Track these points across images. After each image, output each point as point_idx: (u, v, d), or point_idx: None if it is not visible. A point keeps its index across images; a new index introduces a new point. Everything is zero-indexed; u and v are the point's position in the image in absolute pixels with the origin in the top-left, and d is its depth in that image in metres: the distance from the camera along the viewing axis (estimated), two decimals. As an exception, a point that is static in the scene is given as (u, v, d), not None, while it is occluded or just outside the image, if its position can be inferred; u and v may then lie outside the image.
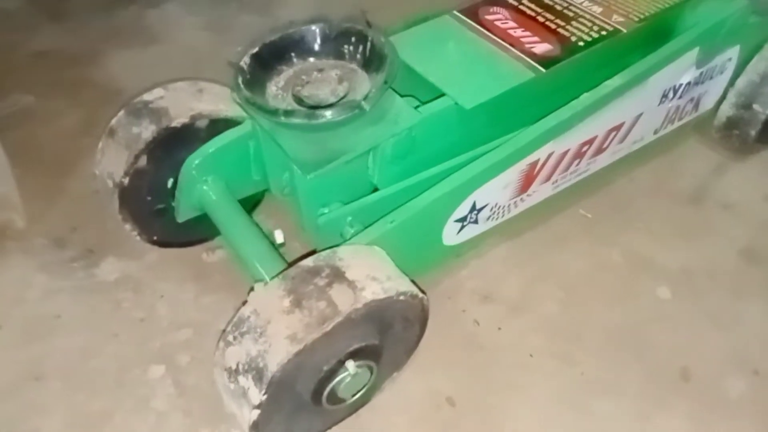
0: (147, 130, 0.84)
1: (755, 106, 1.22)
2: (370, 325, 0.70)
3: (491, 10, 0.98)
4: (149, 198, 0.90)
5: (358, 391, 0.75)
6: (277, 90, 0.77)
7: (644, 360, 0.98)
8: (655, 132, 1.16)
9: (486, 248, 1.08)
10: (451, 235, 0.89)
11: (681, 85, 1.09)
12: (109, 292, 0.96)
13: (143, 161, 0.85)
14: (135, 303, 0.95)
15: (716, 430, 0.90)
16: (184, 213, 0.92)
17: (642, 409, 0.92)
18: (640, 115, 1.06)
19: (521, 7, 1.00)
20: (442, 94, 0.85)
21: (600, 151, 1.04)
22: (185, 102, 0.87)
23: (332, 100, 0.75)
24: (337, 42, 0.80)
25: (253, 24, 1.65)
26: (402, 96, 0.85)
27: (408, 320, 0.76)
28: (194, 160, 0.87)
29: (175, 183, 0.89)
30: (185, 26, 1.61)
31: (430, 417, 0.88)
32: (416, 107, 0.82)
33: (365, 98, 0.70)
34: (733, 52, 1.16)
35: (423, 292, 0.75)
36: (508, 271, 1.08)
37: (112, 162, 0.86)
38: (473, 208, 0.88)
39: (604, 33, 0.95)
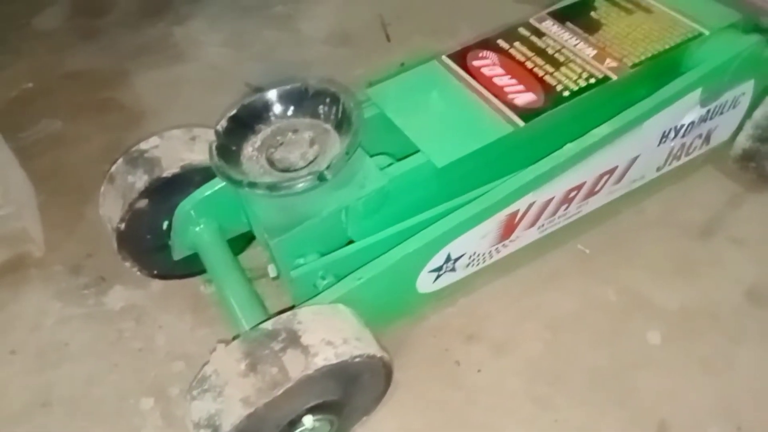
0: (140, 180, 0.90)
1: (771, 141, 1.17)
2: (329, 383, 0.74)
3: (480, 54, 0.98)
4: (146, 238, 0.97)
5: (321, 440, 0.79)
6: (252, 151, 0.81)
7: (625, 407, 0.98)
8: (658, 169, 1.13)
9: (477, 286, 1.09)
10: (426, 284, 0.91)
11: (683, 125, 1.05)
12: (114, 321, 1.04)
13: (138, 208, 0.91)
14: (135, 333, 1.03)
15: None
16: (178, 252, 0.98)
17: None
18: (637, 157, 1.04)
19: (512, 50, 0.99)
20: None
21: (592, 194, 1.03)
22: (177, 152, 0.92)
23: (301, 164, 0.78)
24: (313, 102, 0.83)
25: (273, 39, 1.69)
26: (384, 149, 0.88)
27: (371, 375, 0.79)
28: (186, 206, 0.92)
29: (170, 225, 0.95)
30: (208, 43, 1.66)
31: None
32: (390, 164, 0.84)
33: (327, 167, 0.73)
34: (747, 87, 1.11)
35: (385, 350, 0.78)
36: (497, 309, 1.09)
37: (111, 208, 0.93)
38: (448, 258, 0.89)
39: (592, 81, 0.93)
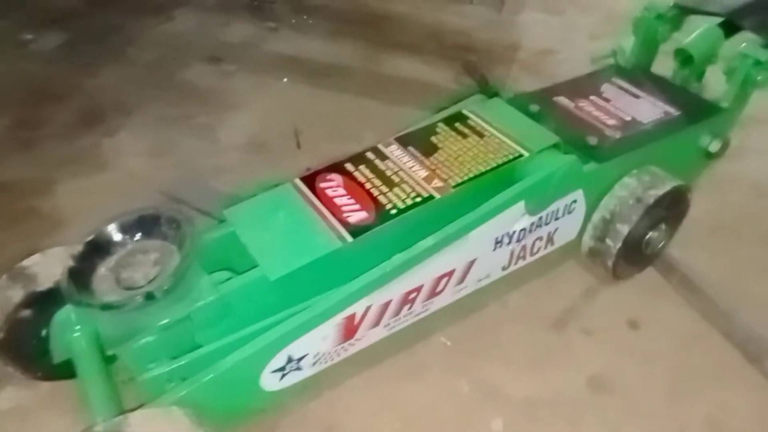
0: (17, 295, 1.02)
1: (608, 241, 1.32)
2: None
3: (328, 177, 1.14)
4: (27, 345, 1.08)
5: None
6: (105, 271, 0.94)
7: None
8: (504, 268, 1.27)
9: (341, 379, 1.19)
10: (273, 382, 1.01)
11: (515, 231, 1.20)
12: (1, 423, 1.13)
13: (16, 318, 1.03)
14: (18, 433, 1.11)
15: None
16: (57, 356, 1.09)
17: None
18: (474, 260, 1.17)
19: (356, 173, 1.15)
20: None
21: (435, 294, 1.16)
22: (54, 268, 1.04)
23: (142, 283, 0.91)
24: (163, 227, 0.97)
25: (193, 147, 1.85)
26: (236, 264, 1.01)
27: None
28: (60, 316, 1.04)
29: (48, 332, 1.06)
30: (132, 152, 1.83)
31: None
32: (229, 278, 0.97)
33: (156, 289, 0.86)
34: (577, 195, 1.27)
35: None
36: (357, 401, 1.19)
37: (-7, 319, 1.04)
38: (290, 359, 1.01)
39: (418, 200, 1.08)
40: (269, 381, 1.01)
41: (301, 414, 1.15)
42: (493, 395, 1.21)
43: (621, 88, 1.47)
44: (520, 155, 1.18)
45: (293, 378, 1.04)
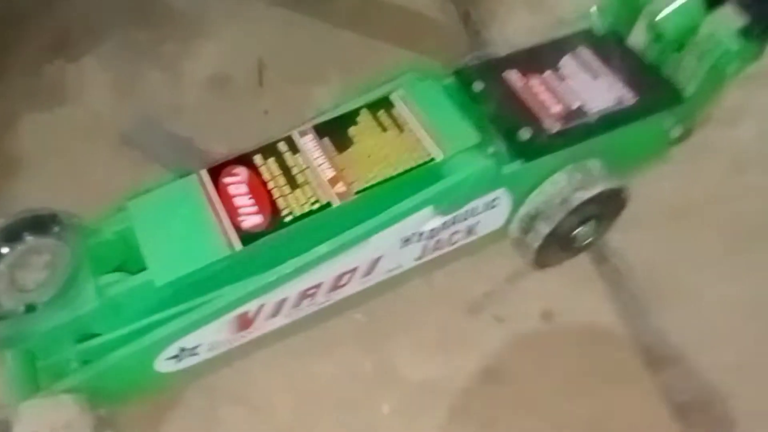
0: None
1: (528, 237, 1.30)
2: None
3: (234, 171, 1.13)
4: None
5: None
6: (3, 268, 1.00)
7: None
8: (418, 258, 1.28)
9: (250, 352, 1.28)
10: (169, 366, 1.11)
11: (424, 231, 1.20)
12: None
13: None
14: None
15: None
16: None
17: None
18: (380, 257, 1.19)
19: (262, 168, 1.14)
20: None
21: (337, 287, 1.20)
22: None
23: (31, 287, 0.98)
24: (57, 226, 1.01)
25: (156, 80, 1.83)
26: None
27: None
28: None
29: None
30: (95, 84, 1.82)
31: None
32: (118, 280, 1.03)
33: (38, 299, 0.93)
34: (499, 194, 1.24)
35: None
36: (263, 374, 1.27)
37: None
38: (183, 349, 1.09)
39: (315, 207, 1.08)
40: (165, 366, 1.10)
41: (210, 382, 1.26)
42: (392, 377, 1.28)
43: (582, 63, 1.36)
44: (433, 159, 1.14)
45: (190, 361, 1.13)
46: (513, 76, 1.32)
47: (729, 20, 1.30)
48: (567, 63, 1.36)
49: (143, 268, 1.05)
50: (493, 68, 1.34)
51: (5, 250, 1.00)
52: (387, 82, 1.30)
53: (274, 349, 1.30)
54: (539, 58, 1.37)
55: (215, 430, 1.22)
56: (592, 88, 1.31)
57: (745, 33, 1.27)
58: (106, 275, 1.04)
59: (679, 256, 1.44)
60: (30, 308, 0.93)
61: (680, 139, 1.41)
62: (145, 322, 1.04)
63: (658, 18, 1.33)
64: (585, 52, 1.37)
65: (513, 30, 1.93)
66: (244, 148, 1.19)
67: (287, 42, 1.95)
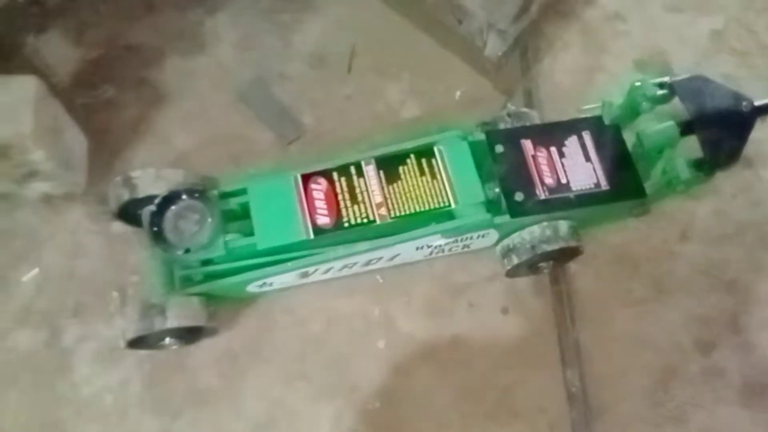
0: (126, 194, 1.74)
1: (504, 261, 1.86)
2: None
3: (318, 180, 1.70)
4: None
5: None
6: (170, 215, 1.63)
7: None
8: (425, 257, 1.88)
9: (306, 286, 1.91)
10: (254, 289, 1.76)
11: (432, 245, 1.78)
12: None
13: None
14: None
15: None
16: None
17: None
18: (398, 254, 1.79)
19: (336, 183, 1.70)
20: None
21: (367, 265, 1.81)
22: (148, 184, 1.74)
23: (187, 235, 1.61)
24: (207, 195, 1.62)
25: (270, 47, 2.29)
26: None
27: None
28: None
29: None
30: (224, 39, 2.27)
31: None
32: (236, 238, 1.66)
33: (193, 246, 1.57)
34: (490, 231, 1.79)
35: (212, 318, 1.68)
36: (308, 301, 1.89)
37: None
38: (264, 283, 1.74)
39: (364, 220, 1.66)
40: (252, 288, 1.76)
41: (274, 298, 1.90)
42: (390, 325, 1.90)
43: (583, 145, 1.82)
44: (449, 205, 1.69)
45: (267, 288, 1.79)
46: (527, 145, 1.81)
47: (686, 151, 1.74)
48: (571, 143, 1.83)
49: (252, 234, 1.67)
50: (515, 135, 1.83)
51: (174, 205, 1.62)
52: (439, 131, 1.81)
53: (317, 286, 1.94)
54: (552, 133, 1.84)
55: (271, 327, 1.91)
56: (580, 169, 1.79)
57: (697, 165, 1.73)
58: (230, 234, 1.66)
59: (610, 292, 1.99)
60: (187, 251, 1.58)
61: (639, 215, 1.91)
62: (248, 263, 1.68)
63: (642, 131, 1.77)
64: (587, 137, 1.84)
65: (561, 69, 2.31)
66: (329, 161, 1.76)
67: (377, 34, 2.30)
